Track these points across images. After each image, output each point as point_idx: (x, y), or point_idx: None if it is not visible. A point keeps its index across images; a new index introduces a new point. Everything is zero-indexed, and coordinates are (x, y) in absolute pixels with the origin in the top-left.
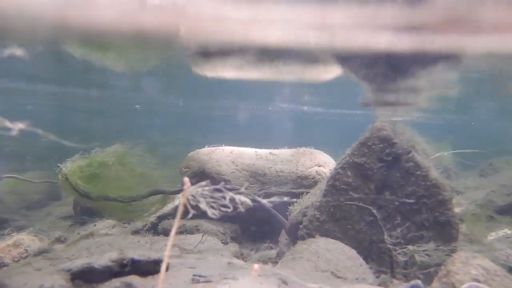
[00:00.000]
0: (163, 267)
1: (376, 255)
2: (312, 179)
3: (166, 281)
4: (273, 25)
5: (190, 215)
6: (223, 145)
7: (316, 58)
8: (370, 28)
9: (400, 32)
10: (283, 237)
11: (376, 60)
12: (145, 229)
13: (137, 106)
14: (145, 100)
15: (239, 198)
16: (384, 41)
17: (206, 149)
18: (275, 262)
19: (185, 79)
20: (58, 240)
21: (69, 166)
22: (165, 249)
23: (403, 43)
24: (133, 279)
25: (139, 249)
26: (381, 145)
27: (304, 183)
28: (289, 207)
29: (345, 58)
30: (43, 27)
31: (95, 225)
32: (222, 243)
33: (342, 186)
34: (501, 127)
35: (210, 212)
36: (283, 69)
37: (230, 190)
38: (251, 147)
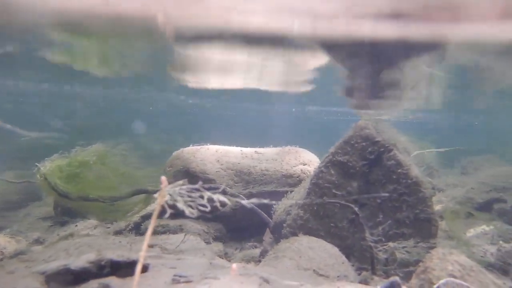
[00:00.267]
0: (138, 268)
1: (358, 253)
2: (297, 177)
3: (145, 282)
4: (254, 10)
5: (167, 215)
6: (208, 144)
7: (303, 45)
8: (352, 16)
9: (383, 19)
10: (268, 236)
11: (361, 49)
12: (128, 229)
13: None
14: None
15: (218, 197)
16: (367, 28)
17: (190, 148)
18: (258, 261)
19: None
20: (37, 241)
21: (47, 166)
22: (146, 249)
23: (386, 30)
24: (112, 280)
25: (119, 249)
26: (363, 144)
27: (289, 181)
28: (274, 206)
29: (330, 46)
30: (23, 12)
31: (76, 225)
32: (205, 242)
33: (326, 185)
34: (483, 125)
35: (187, 211)
36: (271, 54)
37: (208, 189)
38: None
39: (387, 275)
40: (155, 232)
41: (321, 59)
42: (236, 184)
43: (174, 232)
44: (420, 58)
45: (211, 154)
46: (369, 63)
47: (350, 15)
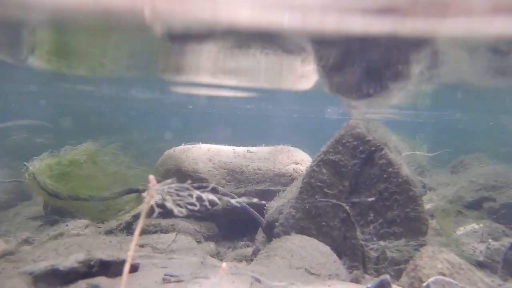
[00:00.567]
0: (126, 268)
1: (349, 251)
2: (289, 176)
3: (135, 281)
4: (243, 4)
5: (155, 214)
6: (200, 143)
7: (292, 48)
8: (342, 10)
9: (373, 14)
10: (260, 235)
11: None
12: (119, 228)
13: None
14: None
15: (207, 196)
16: (357, 24)
17: (182, 147)
18: (250, 260)
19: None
20: (26, 241)
21: (36, 165)
22: (136, 249)
23: (376, 26)
24: (101, 280)
25: (109, 249)
26: (355, 143)
27: (281, 180)
28: (266, 205)
29: (320, 43)
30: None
31: (67, 225)
32: (197, 242)
33: (317, 184)
34: (472, 124)
35: (176, 210)
36: (260, 57)
37: (198, 188)
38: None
39: (378, 273)
40: (146, 232)
41: (309, 81)
42: (228, 183)
43: (166, 231)
44: (414, 60)
45: (203, 153)
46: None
47: (340, 10)
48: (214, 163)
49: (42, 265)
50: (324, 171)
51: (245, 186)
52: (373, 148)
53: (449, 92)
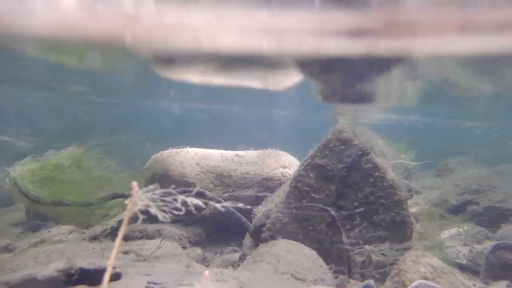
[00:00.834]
0: (106, 277)
1: (336, 256)
2: (277, 180)
3: None
4: (225, 31)
5: (139, 221)
6: (187, 147)
7: (277, 64)
8: (318, 34)
9: (347, 37)
10: (248, 240)
11: (332, 65)
12: (104, 234)
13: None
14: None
15: (191, 200)
16: (332, 46)
17: (170, 151)
18: (237, 266)
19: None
20: (6, 249)
21: (18, 170)
22: (119, 256)
23: (351, 47)
24: None
25: (91, 257)
26: (341, 147)
27: (269, 184)
28: (254, 210)
29: (301, 63)
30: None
31: (49, 231)
32: (183, 247)
33: (305, 188)
34: (457, 128)
35: (160, 216)
36: (246, 75)
37: (182, 192)
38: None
39: (363, 277)
40: (132, 237)
41: (295, 78)
42: (216, 188)
43: (152, 237)
44: (390, 72)
45: (191, 157)
46: (340, 78)
47: (316, 34)
48: (202, 167)
49: (19, 274)
50: (311, 175)
51: (232, 190)
52: (360, 153)
53: (434, 95)
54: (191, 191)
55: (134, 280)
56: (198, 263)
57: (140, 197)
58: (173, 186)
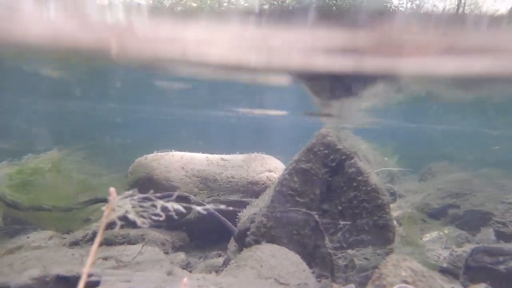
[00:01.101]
0: (81, 285)
1: (319, 260)
2: (263, 184)
3: None
4: (214, 44)
5: (118, 227)
6: (173, 150)
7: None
8: (307, 50)
9: (336, 54)
10: (232, 244)
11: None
12: (85, 239)
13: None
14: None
15: (172, 205)
16: (322, 62)
17: (154, 155)
18: (221, 271)
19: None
20: None
21: None
22: (99, 262)
23: (340, 64)
24: None
25: (69, 263)
26: (325, 151)
27: (255, 188)
28: (239, 214)
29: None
30: None
31: (28, 237)
32: (165, 253)
33: (289, 192)
34: (440, 133)
35: (139, 221)
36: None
37: (162, 197)
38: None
39: (346, 282)
40: (113, 243)
41: (284, 78)
42: (201, 192)
43: (135, 242)
44: (375, 86)
45: (176, 161)
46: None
47: (304, 50)
48: (186, 171)
49: None
50: (296, 179)
51: (217, 194)
52: (344, 157)
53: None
54: (171, 195)
55: (113, 287)
56: (181, 268)
57: (118, 203)
58: (151, 191)
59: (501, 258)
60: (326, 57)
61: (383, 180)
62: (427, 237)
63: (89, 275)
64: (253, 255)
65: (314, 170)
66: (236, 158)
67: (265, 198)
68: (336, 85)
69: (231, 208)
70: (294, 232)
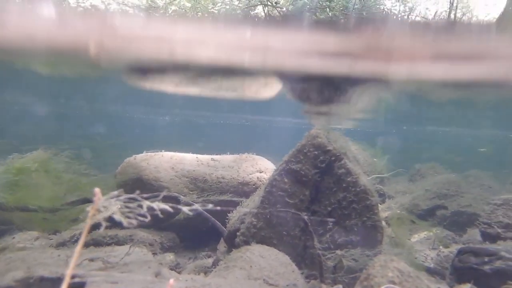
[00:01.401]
0: (64, 287)
1: (309, 260)
2: (253, 185)
3: None
4: (204, 45)
5: (102, 228)
6: (163, 151)
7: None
8: (301, 53)
9: (329, 57)
10: (222, 245)
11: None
12: (72, 240)
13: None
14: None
15: (158, 205)
16: (313, 64)
17: (144, 155)
18: (210, 271)
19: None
20: None
21: None
22: (86, 263)
23: (332, 67)
24: None
25: (54, 265)
26: (315, 152)
27: (245, 189)
28: (228, 214)
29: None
30: None
31: (13, 237)
32: (154, 254)
33: (279, 193)
34: (429, 134)
35: (125, 222)
36: (223, 84)
37: (148, 197)
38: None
39: (335, 282)
40: (101, 244)
41: (273, 89)
42: (191, 192)
43: (123, 243)
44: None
45: (166, 161)
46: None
47: (298, 53)
48: (176, 172)
49: None
50: (286, 180)
51: (207, 195)
52: (333, 158)
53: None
54: (157, 196)
55: None
56: (170, 269)
57: (104, 203)
58: (137, 191)
59: (486, 259)
60: (321, 60)
61: (372, 181)
62: (415, 237)
63: (73, 277)
64: (243, 256)
65: (304, 171)
66: (227, 158)
67: (255, 199)
68: (326, 89)
69: (219, 208)
70: (284, 233)
